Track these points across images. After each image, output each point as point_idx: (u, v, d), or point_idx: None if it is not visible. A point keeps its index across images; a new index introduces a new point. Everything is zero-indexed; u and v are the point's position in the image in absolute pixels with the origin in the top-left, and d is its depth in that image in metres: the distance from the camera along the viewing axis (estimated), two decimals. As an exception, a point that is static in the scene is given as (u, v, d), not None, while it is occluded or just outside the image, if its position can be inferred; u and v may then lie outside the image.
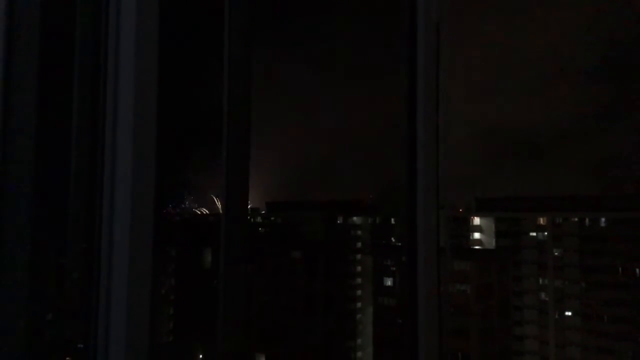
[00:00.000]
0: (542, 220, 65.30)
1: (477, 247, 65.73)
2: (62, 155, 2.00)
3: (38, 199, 1.80)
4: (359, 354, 44.09)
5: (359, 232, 48.35)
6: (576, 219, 63.07)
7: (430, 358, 2.21)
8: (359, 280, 46.81)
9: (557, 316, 63.07)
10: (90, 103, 1.83)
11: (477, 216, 68.13)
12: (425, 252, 2.31)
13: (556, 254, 63.86)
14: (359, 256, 47.63)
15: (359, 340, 44.63)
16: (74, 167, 2.10)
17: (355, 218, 48.04)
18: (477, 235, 67.76)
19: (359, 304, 46.09)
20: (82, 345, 1.85)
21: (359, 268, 47.39)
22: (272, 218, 44.71)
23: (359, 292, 46.29)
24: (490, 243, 66.96)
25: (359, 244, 47.89)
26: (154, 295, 1.53)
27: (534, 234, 65.57)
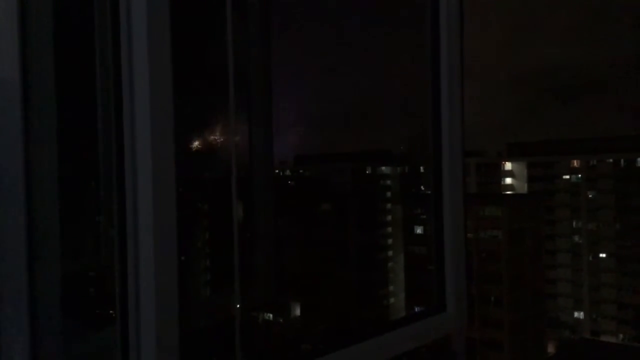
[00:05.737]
0: (575, 163, 64.05)
1: (508, 192, 65.18)
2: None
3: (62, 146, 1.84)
4: (392, 300, 44.80)
5: (388, 182, 48.33)
6: (611, 160, 61.61)
7: (458, 304, 2.23)
8: (389, 229, 47.15)
9: (591, 258, 62.63)
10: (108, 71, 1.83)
11: (508, 161, 67.24)
12: (450, 199, 2.30)
13: (590, 196, 62.80)
14: (389, 205, 47.80)
15: (391, 287, 45.32)
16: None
17: (384, 168, 47.91)
18: (508, 180, 67.08)
19: (390, 253, 46.58)
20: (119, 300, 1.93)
21: (389, 217, 47.65)
22: (301, 171, 44.87)
23: (389, 241, 46.69)
24: (523, 188, 66.30)
25: (389, 194, 47.95)
26: (182, 249, 1.57)
27: (567, 176, 64.50)
